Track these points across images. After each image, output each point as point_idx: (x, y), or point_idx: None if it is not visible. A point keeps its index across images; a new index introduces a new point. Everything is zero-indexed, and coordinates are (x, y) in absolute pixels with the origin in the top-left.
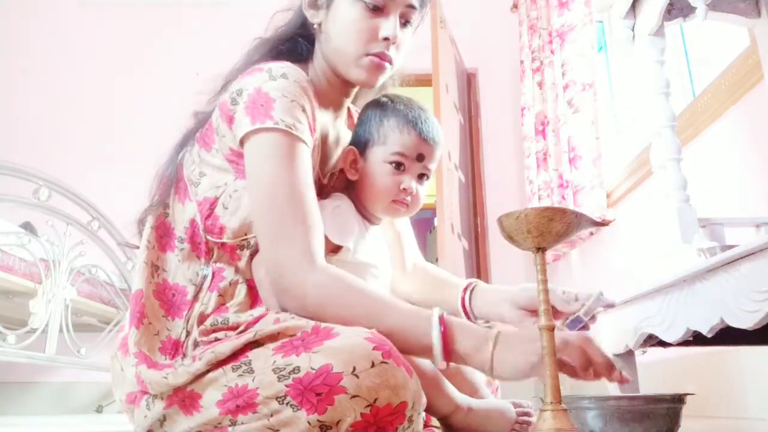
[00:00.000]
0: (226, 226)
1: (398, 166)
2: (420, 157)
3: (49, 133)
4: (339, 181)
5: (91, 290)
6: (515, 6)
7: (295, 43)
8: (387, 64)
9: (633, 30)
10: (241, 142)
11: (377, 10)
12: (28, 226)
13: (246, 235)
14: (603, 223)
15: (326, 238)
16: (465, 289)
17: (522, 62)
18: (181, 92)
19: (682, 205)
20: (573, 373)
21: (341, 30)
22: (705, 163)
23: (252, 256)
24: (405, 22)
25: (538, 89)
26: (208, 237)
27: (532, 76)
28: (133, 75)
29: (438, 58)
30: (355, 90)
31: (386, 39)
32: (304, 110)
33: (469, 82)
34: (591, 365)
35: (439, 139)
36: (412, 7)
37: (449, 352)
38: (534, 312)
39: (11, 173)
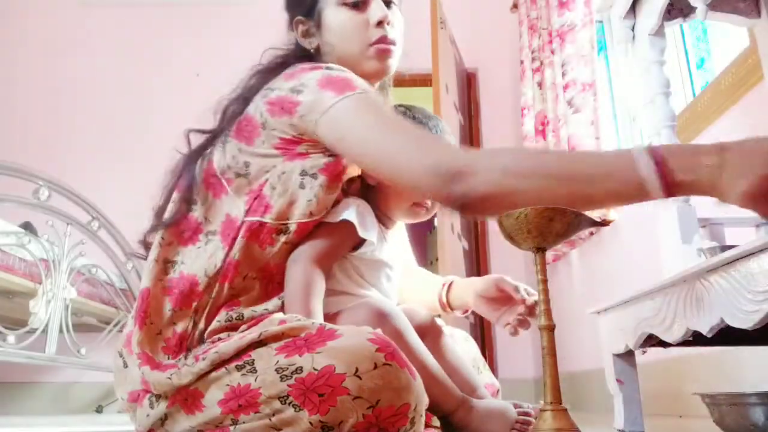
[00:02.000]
0: (273, 206)
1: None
2: None
3: (49, 133)
4: (354, 187)
5: (91, 290)
6: (515, 6)
7: (304, 59)
8: (392, 47)
9: (633, 30)
10: (318, 122)
11: (358, 6)
12: (28, 226)
13: (288, 219)
14: (603, 223)
15: (353, 230)
16: (443, 285)
17: (522, 62)
18: (181, 92)
19: (682, 205)
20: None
21: (339, 36)
22: None
23: (287, 243)
24: (387, 3)
25: (538, 89)
26: (246, 218)
27: (532, 76)
28: (133, 75)
29: (438, 58)
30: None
31: (380, 23)
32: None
33: (469, 82)
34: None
35: None
36: None
37: (668, 184)
38: (491, 300)
39: (11, 173)
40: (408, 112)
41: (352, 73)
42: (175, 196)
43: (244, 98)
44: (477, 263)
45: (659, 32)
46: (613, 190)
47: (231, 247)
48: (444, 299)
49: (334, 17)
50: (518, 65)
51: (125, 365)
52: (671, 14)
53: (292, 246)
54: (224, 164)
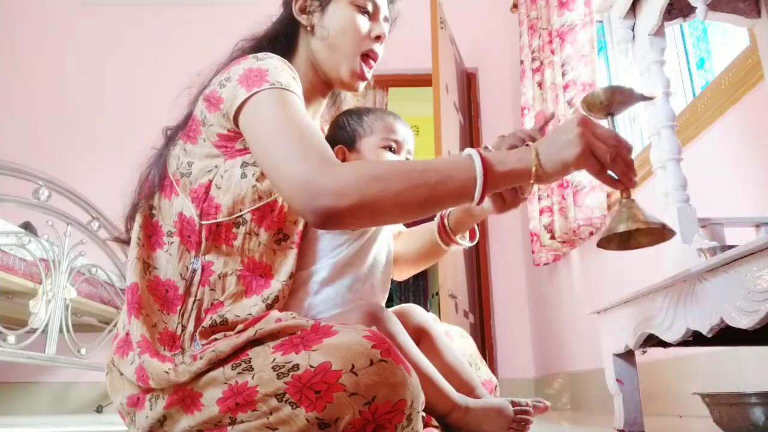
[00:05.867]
0: (221, 204)
1: (390, 148)
2: (404, 141)
3: (49, 132)
4: None
5: (91, 290)
6: (515, 6)
7: (276, 43)
8: (369, 75)
9: (633, 30)
10: (235, 118)
11: (367, 14)
12: (28, 226)
13: (240, 210)
14: (650, 98)
15: None
16: (442, 216)
17: (522, 62)
18: (182, 92)
19: (682, 205)
20: (599, 169)
21: (340, 28)
22: (705, 163)
23: (250, 234)
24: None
25: (538, 89)
26: (203, 222)
27: (532, 76)
28: (133, 75)
29: (438, 58)
30: (329, 93)
31: (378, 37)
32: (294, 79)
33: (469, 82)
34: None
35: (411, 129)
36: (386, 19)
37: (490, 176)
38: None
39: (11, 173)
40: (361, 107)
41: (275, 60)
42: (141, 201)
43: (196, 97)
44: (477, 263)
45: (659, 32)
46: (457, 187)
47: (198, 251)
48: (444, 222)
49: (343, 11)
50: (518, 65)
51: (120, 373)
52: (671, 14)
53: (257, 237)
54: (174, 166)
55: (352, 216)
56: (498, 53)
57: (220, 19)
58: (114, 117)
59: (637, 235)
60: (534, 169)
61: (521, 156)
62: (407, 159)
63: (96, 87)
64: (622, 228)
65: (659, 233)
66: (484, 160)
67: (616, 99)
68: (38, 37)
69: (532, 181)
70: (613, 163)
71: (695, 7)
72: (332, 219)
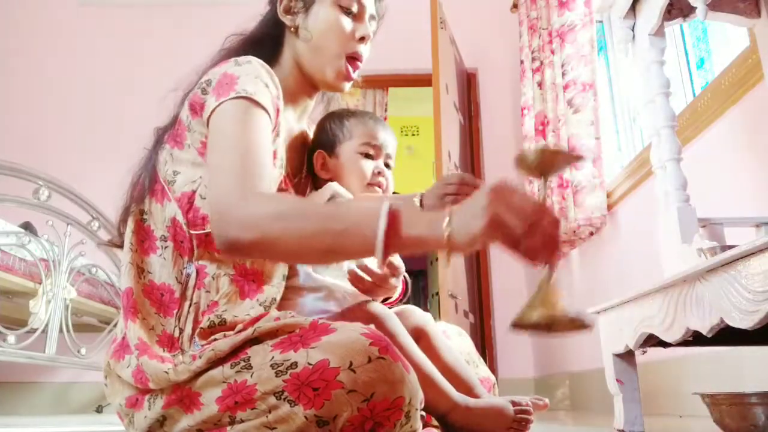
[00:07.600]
0: (208, 215)
1: (368, 154)
2: (383, 146)
3: (48, 133)
4: (304, 185)
5: (91, 290)
6: (515, 6)
7: (261, 46)
8: (354, 75)
9: (633, 30)
10: (208, 123)
11: (351, 15)
12: (28, 226)
13: None
14: (580, 158)
15: None
16: None
17: (522, 62)
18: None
19: (682, 205)
20: (512, 243)
21: (324, 30)
22: (705, 163)
23: None
24: (372, 17)
25: (538, 89)
26: (192, 231)
27: (532, 76)
28: (133, 75)
29: (438, 58)
30: (317, 94)
31: (362, 38)
32: (267, 86)
33: (469, 82)
34: (538, 236)
35: (393, 133)
36: (373, 17)
37: (395, 238)
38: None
39: (11, 173)
40: (344, 110)
41: (253, 65)
42: (132, 206)
43: (183, 99)
44: (477, 263)
45: (659, 32)
46: (360, 243)
47: (192, 256)
48: None
49: (327, 12)
50: (518, 65)
51: (117, 375)
52: (671, 14)
53: None
54: (163, 171)
55: (251, 250)
56: (498, 53)
57: (221, 20)
58: (114, 117)
59: (550, 324)
60: (446, 240)
61: (434, 224)
62: (387, 163)
63: (95, 87)
64: (535, 317)
65: (575, 325)
66: (391, 220)
67: (546, 160)
68: (38, 37)
69: (446, 251)
70: (528, 237)
71: (695, 7)
72: (234, 249)
